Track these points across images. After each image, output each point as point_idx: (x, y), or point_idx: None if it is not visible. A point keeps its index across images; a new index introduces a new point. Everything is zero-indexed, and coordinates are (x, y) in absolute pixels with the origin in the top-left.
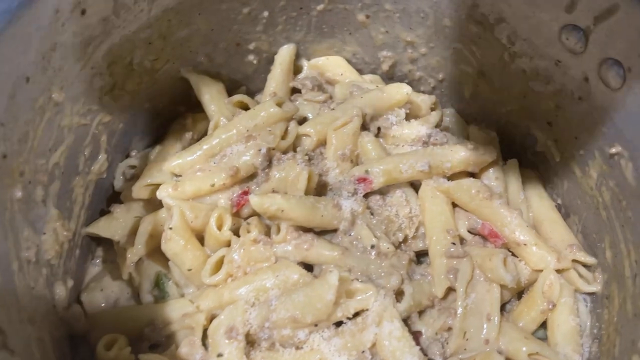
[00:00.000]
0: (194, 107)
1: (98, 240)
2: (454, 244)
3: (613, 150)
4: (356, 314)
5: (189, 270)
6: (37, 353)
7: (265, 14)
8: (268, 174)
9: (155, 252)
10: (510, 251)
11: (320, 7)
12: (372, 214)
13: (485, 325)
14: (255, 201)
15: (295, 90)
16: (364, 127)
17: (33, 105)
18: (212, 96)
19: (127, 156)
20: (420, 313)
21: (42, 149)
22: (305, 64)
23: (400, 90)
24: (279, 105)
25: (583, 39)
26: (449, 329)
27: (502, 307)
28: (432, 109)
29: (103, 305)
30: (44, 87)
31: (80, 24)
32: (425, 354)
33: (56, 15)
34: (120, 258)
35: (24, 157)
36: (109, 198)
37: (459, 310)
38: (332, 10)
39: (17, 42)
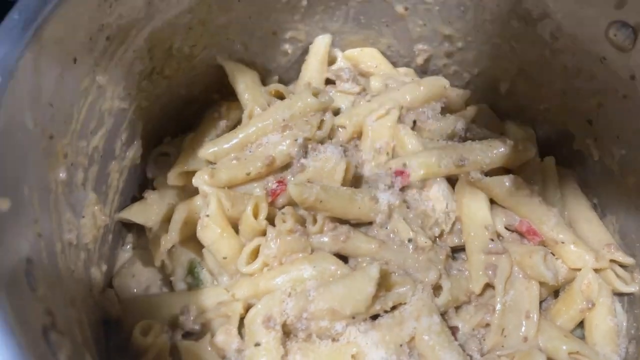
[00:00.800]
0: (227, 95)
1: (129, 227)
2: (492, 240)
3: None
4: (393, 308)
5: (224, 258)
6: (80, 335)
7: (304, 2)
8: (303, 165)
9: (189, 239)
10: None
11: None
12: (408, 207)
13: (524, 323)
14: (294, 191)
15: (328, 82)
16: (400, 120)
17: (79, 87)
18: (247, 85)
19: (161, 142)
20: (457, 309)
21: (84, 132)
22: (339, 54)
23: (438, 84)
24: (315, 95)
25: (632, 36)
26: (487, 325)
27: (539, 305)
28: (467, 105)
29: (135, 291)
30: (89, 69)
31: (126, 6)
32: (463, 350)
33: None
34: (153, 245)
35: (67, 139)
36: (140, 184)
37: (498, 307)
38: (371, 1)
39: (67, 22)
